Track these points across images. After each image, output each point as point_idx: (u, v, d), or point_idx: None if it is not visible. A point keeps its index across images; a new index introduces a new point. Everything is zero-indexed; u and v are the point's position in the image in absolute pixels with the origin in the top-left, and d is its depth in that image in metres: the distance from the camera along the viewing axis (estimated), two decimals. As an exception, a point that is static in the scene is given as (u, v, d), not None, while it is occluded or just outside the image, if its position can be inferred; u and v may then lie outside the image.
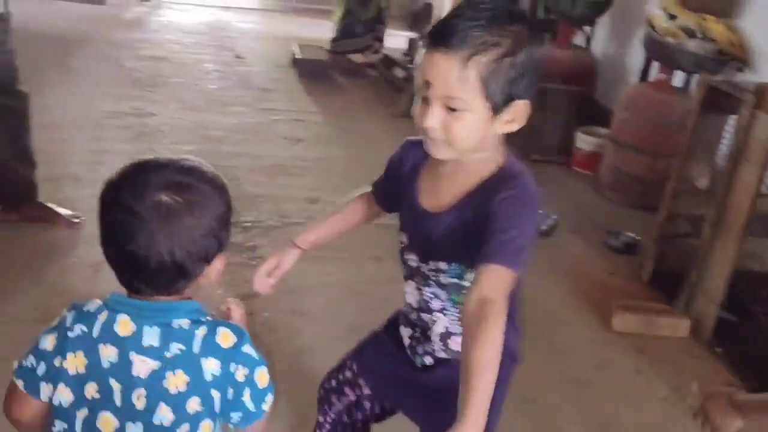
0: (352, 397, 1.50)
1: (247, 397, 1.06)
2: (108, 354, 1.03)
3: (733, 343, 2.57)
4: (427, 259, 1.29)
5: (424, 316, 1.33)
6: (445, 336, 1.32)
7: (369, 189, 1.48)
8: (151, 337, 1.03)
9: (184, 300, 1.08)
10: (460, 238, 1.22)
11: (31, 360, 1.07)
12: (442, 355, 1.34)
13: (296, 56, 5.35)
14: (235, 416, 1.08)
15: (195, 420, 1.05)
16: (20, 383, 1.07)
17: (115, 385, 1.03)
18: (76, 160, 3.47)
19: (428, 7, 7.09)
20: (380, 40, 5.43)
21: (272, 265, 1.45)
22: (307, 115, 4.54)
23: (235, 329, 1.08)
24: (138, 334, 1.04)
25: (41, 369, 1.06)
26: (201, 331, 1.04)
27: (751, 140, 2.38)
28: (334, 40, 5.27)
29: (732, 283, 2.56)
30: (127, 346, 1.03)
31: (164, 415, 1.03)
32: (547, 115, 4.28)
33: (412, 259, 1.32)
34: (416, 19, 7.00)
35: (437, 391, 1.33)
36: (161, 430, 1.04)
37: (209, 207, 1.04)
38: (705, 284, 2.61)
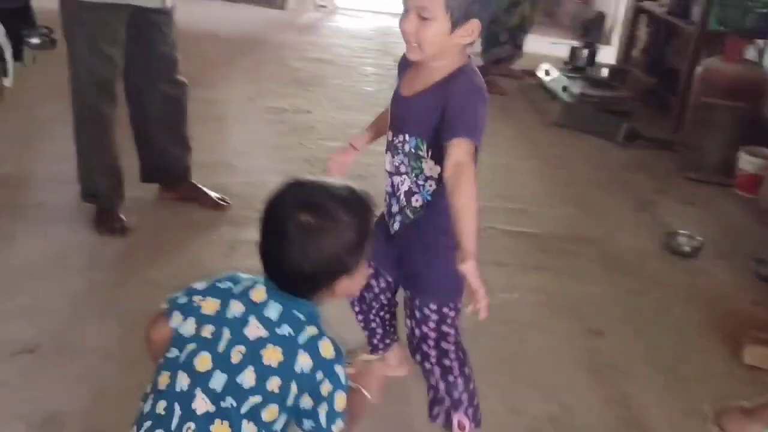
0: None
1: (322, 412, 1.16)
2: (235, 309, 1.20)
3: None
4: (397, 133, 1.69)
5: (395, 179, 1.73)
6: (408, 194, 1.71)
7: None
8: (272, 311, 1.19)
9: (310, 303, 1.24)
10: (422, 117, 1.61)
11: (179, 294, 1.28)
12: (407, 214, 1.73)
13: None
14: (307, 424, 1.19)
15: (267, 399, 1.15)
16: (163, 307, 1.29)
17: (226, 335, 1.18)
18: (232, 149, 3.75)
19: (600, 16, 6.88)
20: (519, 48, 5.32)
21: (341, 158, 1.94)
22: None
23: (337, 348, 1.19)
24: (264, 305, 1.20)
25: (182, 301, 1.26)
26: (311, 330, 1.18)
27: None
28: (483, 52, 5.24)
29: None
30: (251, 309, 1.19)
31: (247, 378, 1.15)
32: (708, 131, 4.02)
33: (389, 135, 1.73)
34: (588, 27, 6.81)
35: (407, 251, 1.76)
36: (238, 390, 1.14)
37: (342, 235, 1.20)
38: None
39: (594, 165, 4.06)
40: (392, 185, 1.74)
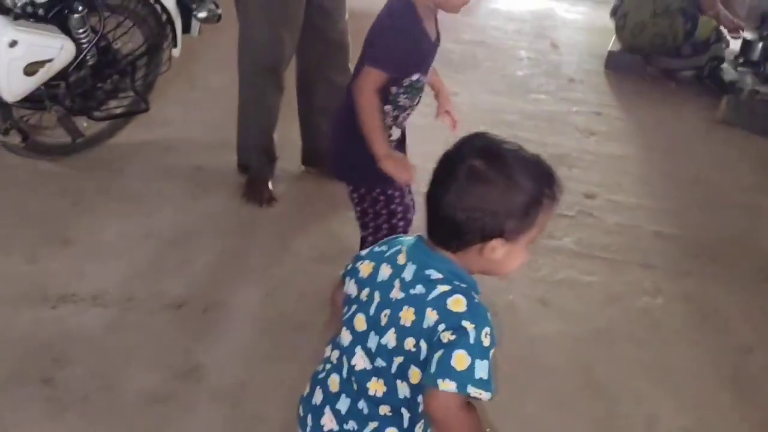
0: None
1: (434, 360, 1.10)
2: (384, 272, 1.22)
3: None
4: (424, 75, 1.99)
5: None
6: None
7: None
8: (409, 272, 1.18)
9: (458, 263, 1.17)
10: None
11: (351, 260, 1.32)
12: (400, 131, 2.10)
13: (611, 49, 5.15)
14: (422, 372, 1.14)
15: (408, 359, 1.15)
16: (341, 274, 1.32)
17: (377, 298, 1.21)
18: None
19: (779, 7, 6.30)
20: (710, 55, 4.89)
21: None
22: (610, 110, 4.37)
23: (472, 305, 1.12)
24: (404, 267, 1.19)
25: (349, 266, 1.30)
26: (443, 287, 1.14)
27: None
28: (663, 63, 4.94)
29: None
30: (396, 272, 1.20)
31: (390, 339, 1.17)
32: None
33: (422, 78, 1.98)
34: (765, 19, 6.27)
35: None
36: (384, 351, 1.18)
37: (509, 194, 1.12)
38: None
39: (760, 168, 3.75)
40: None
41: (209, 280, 2.43)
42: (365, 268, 1.25)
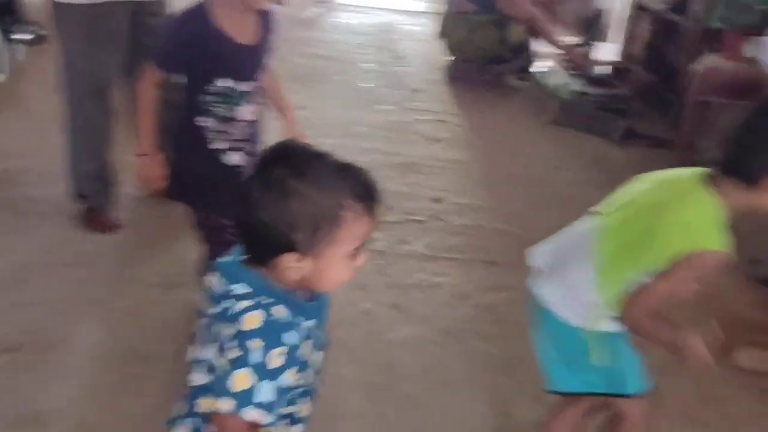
0: None
1: (220, 375, 1.06)
2: (220, 285, 1.15)
3: None
4: (248, 80, 1.96)
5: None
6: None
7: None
8: (219, 286, 1.13)
9: (270, 279, 1.10)
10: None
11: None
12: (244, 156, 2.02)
13: (449, 59, 5.37)
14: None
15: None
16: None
17: (216, 310, 1.13)
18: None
19: (600, 13, 6.82)
20: (527, 58, 5.24)
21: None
22: (452, 117, 4.55)
23: (268, 323, 1.06)
24: (220, 281, 1.14)
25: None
26: (245, 303, 1.08)
27: None
28: (489, 70, 5.23)
29: None
30: (218, 285, 1.14)
31: (211, 352, 1.11)
32: (707, 130, 3.96)
33: (240, 84, 1.92)
34: (588, 25, 6.76)
35: None
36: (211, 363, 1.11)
37: (295, 203, 1.04)
38: None
39: (591, 165, 4.02)
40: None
41: (47, 318, 2.28)
42: (212, 280, 1.17)
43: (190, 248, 2.74)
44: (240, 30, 1.88)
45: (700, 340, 1.49)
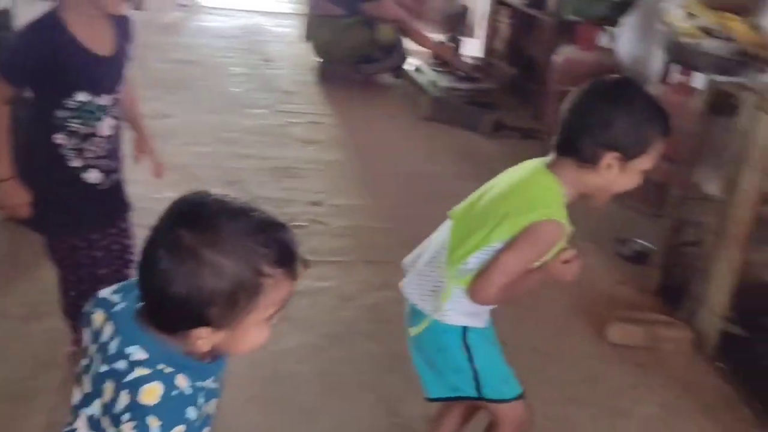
0: None
1: None
2: (107, 332, 1.05)
3: (738, 359, 2.43)
4: (109, 93, 1.85)
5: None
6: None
7: None
8: (114, 344, 1.02)
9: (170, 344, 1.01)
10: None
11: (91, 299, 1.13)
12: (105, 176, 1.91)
13: (319, 61, 5.35)
14: None
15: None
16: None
17: (97, 360, 1.05)
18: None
19: (464, 10, 7.01)
20: (398, 56, 5.30)
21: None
22: (326, 118, 4.53)
23: (166, 398, 0.97)
24: (114, 335, 1.03)
25: (88, 308, 1.11)
26: (142, 371, 0.98)
27: (753, 144, 2.25)
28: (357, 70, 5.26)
29: (741, 295, 2.43)
30: (109, 338, 1.04)
31: (96, 410, 1.03)
32: (568, 118, 4.15)
33: (99, 98, 1.81)
34: (452, 21, 6.93)
35: None
36: (97, 424, 1.02)
37: (206, 274, 0.94)
38: (708, 296, 2.48)
39: (463, 158, 4.11)
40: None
41: None
42: (98, 318, 1.06)
43: (55, 274, 2.59)
44: (95, 39, 1.77)
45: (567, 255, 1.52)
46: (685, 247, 2.80)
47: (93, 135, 1.82)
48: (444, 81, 4.89)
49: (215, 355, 1.06)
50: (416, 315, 1.62)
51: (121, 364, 0.99)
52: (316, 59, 5.39)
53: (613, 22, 4.33)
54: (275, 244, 0.99)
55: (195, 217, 0.97)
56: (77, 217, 1.87)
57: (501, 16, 5.69)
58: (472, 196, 1.62)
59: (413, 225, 3.24)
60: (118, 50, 1.83)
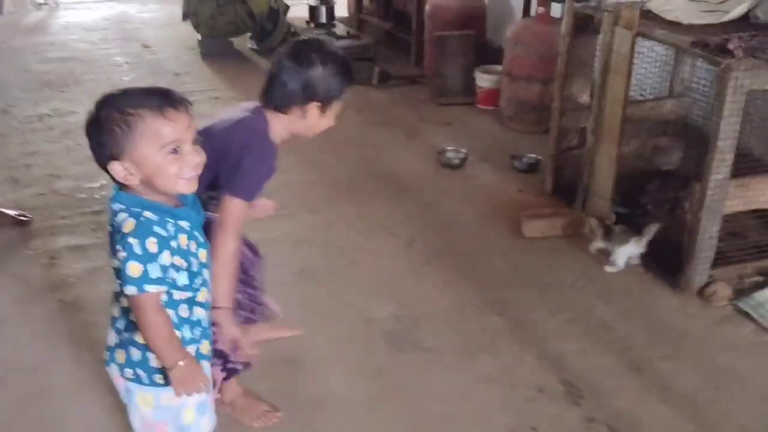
0: None
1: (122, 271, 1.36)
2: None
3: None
4: None
5: None
6: None
7: None
8: (111, 209, 1.42)
9: (134, 194, 1.39)
10: None
11: None
12: None
13: (199, 38, 5.50)
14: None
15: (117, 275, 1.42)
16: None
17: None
18: (11, 165, 3.63)
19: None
20: (285, 24, 5.54)
21: None
22: (224, 92, 4.75)
23: (139, 224, 1.34)
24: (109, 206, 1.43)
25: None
26: (122, 215, 1.38)
27: (614, 54, 2.76)
28: (261, 44, 5.45)
29: (622, 181, 2.96)
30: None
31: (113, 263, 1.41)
32: (447, 60, 4.61)
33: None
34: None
35: None
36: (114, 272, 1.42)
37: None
38: (595, 185, 3.00)
39: (362, 109, 4.48)
40: None
41: None
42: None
43: (23, 267, 2.76)
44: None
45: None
46: (569, 151, 3.32)
47: None
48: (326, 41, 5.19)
49: (176, 201, 1.44)
50: None
51: (116, 219, 1.40)
52: (195, 38, 5.54)
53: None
54: (143, 94, 1.37)
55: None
56: None
57: (364, -25, 6.03)
58: None
59: (337, 172, 3.62)
60: None
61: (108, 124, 1.32)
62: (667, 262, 2.70)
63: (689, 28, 2.61)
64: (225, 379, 1.94)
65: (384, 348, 2.36)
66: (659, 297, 2.63)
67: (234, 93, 4.75)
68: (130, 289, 1.34)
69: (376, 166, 3.70)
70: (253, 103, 1.81)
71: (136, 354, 1.47)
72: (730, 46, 2.34)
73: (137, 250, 1.33)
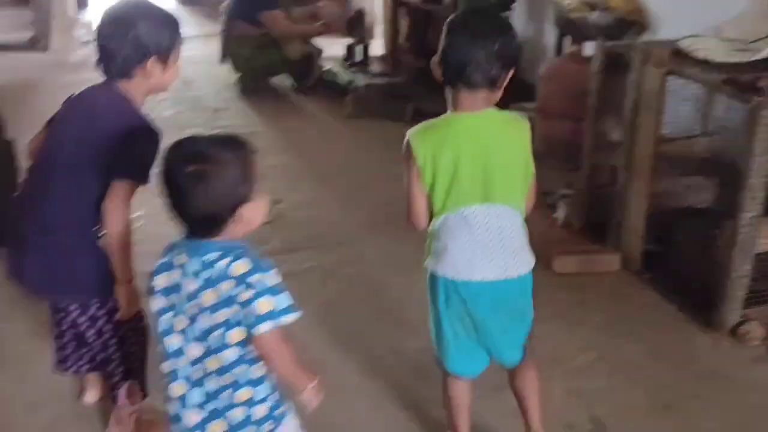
0: None
1: (248, 312, 1.36)
2: (175, 276, 1.44)
3: (659, 269, 2.96)
4: None
5: None
6: None
7: None
8: (194, 265, 1.41)
9: (225, 239, 1.42)
10: None
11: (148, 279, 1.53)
12: None
13: (238, 76, 5.65)
14: (243, 330, 1.40)
15: (224, 326, 1.40)
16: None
17: (182, 297, 1.43)
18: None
19: (360, 13, 7.43)
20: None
21: None
22: (261, 128, 4.85)
23: (253, 262, 1.37)
24: (189, 263, 1.42)
25: (149, 284, 1.51)
26: (224, 261, 1.38)
27: (645, 92, 2.78)
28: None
29: (654, 218, 2.96)
30: (185, 271, 1.42)
31: (204, 322, 1.41)
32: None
33: None
34: (351, 25, 7.34)
35: None
36: (205, 332, 1.41)
37: (228, 171, 1.39)
38: (628, 222, 3.00)
39: (392, 144, 4.49)
40: None
41: None
42: (161, 281, 1.46)
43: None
44: None
45: None
46: (601, 188, 3.32)
47: None
48: (361, 79, 5.31)
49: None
50: (510, 285, 1.87)
51: (206, 273, 1.39)
52: (234, 76, 5.69)
53: (505, 9, 4.86)
54: (238, 138, 1.54)
55: (190, 153, 1.42)
56: None
57: (399, 14, 6.15)
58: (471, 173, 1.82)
59: (367, 207, 3.66)
60: None
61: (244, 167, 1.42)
62: (699, 300, 2.67)
63: (720, 67, 2.63)
64: None
65: (411, 380, 2.37)
66: (691, 335, 2.61)
67: (270, 130, 4.85)
68: (266, 326, 1.35)
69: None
70: (100, 83, 1.88)
71: (239, 414, 1.44)
72: (761, 85, 2.34)
73: (268, 282, 1.36)
